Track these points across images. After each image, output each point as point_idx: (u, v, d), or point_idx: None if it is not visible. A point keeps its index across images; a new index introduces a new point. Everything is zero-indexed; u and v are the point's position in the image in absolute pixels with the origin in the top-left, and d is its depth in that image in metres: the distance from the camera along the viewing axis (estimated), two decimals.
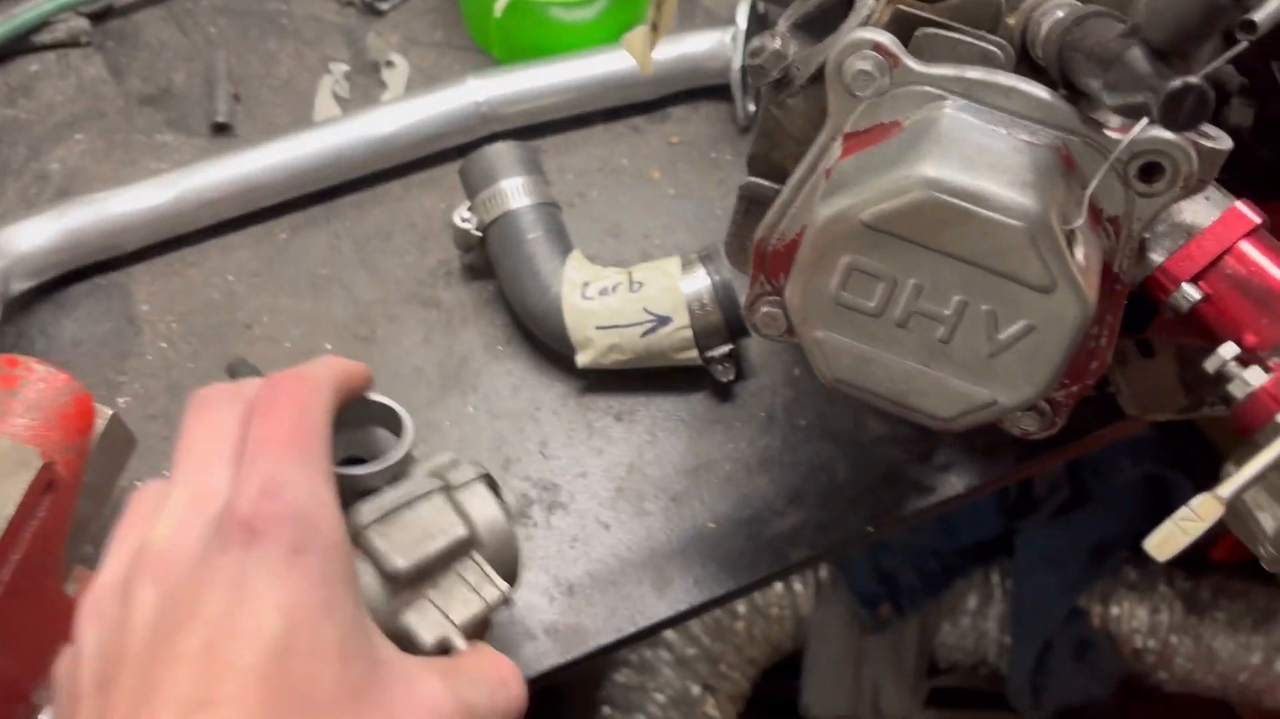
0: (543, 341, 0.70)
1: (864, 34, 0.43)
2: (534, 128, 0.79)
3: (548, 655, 0.62)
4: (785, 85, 0.46)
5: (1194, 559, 1.66)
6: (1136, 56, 0.36)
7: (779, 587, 1.55)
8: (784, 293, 0.46)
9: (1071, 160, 0.42)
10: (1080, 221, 0.41)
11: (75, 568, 0.56)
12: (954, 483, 0.69)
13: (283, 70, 0.81)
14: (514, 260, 0.69)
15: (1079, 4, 0.45)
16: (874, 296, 0.43)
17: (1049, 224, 0.39)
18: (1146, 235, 0.46)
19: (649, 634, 0.64)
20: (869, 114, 0.44)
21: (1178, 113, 0.34)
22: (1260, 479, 0.41)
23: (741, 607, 1.54)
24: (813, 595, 1.60)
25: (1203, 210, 0.46)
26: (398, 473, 0.50)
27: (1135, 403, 0.60)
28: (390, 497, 0.48)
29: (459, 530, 0.48)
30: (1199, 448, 1.50)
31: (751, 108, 0.80)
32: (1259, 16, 0.42)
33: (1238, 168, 0.56)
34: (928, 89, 0.43)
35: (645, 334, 0.67)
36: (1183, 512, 0.40)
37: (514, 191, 0.70)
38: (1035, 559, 1.62)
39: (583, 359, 0.68)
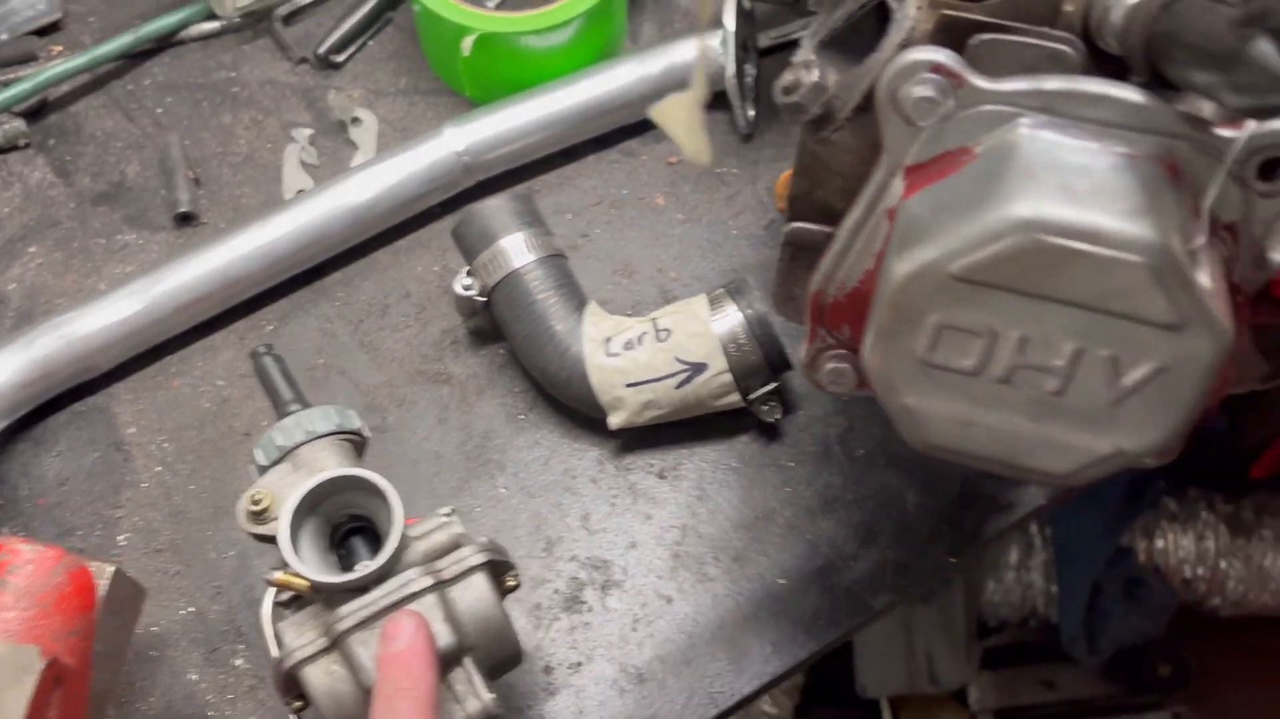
0: (568, 405, 0.64)
1: (920, 54, 0.37)
2: (521, 169, 0.73)
3: None
4: (827, 120, 0.41)
5: (1232, 481, 1.62)
6: (1267, 52, 0.31)
7: None
8: (855, 348, 0.40)
9: (1178, 168, 0.36)
10: (1201, 240, 0.35)
11: None
12: (1035, 494, 0.63)
13: (242, 145, 0.75)
14: (526, 324, 0.63)
15: None
16: (970, 354, 0.37)
17: (1173, 254, 0.34)
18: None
19: (732, 712, 0.59)
20: (932, 143, 0.39)
21: None
22: None
23: None
24: None
25: None
26: (388, 570, 0.46)
27: None
28: (376, 596, 0.46)
29: (444, 641, 0.46)
30: None
31: (751, 113, 0.74)
32: None
33: None
34: (999, 108, 0.37)
35: (680, 385, 0.61)
36: None
37: (516, 249, 0.64)
38: (1072, 502, 1.58)
39: (615, 421, 0.62)
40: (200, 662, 0.59)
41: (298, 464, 0.51)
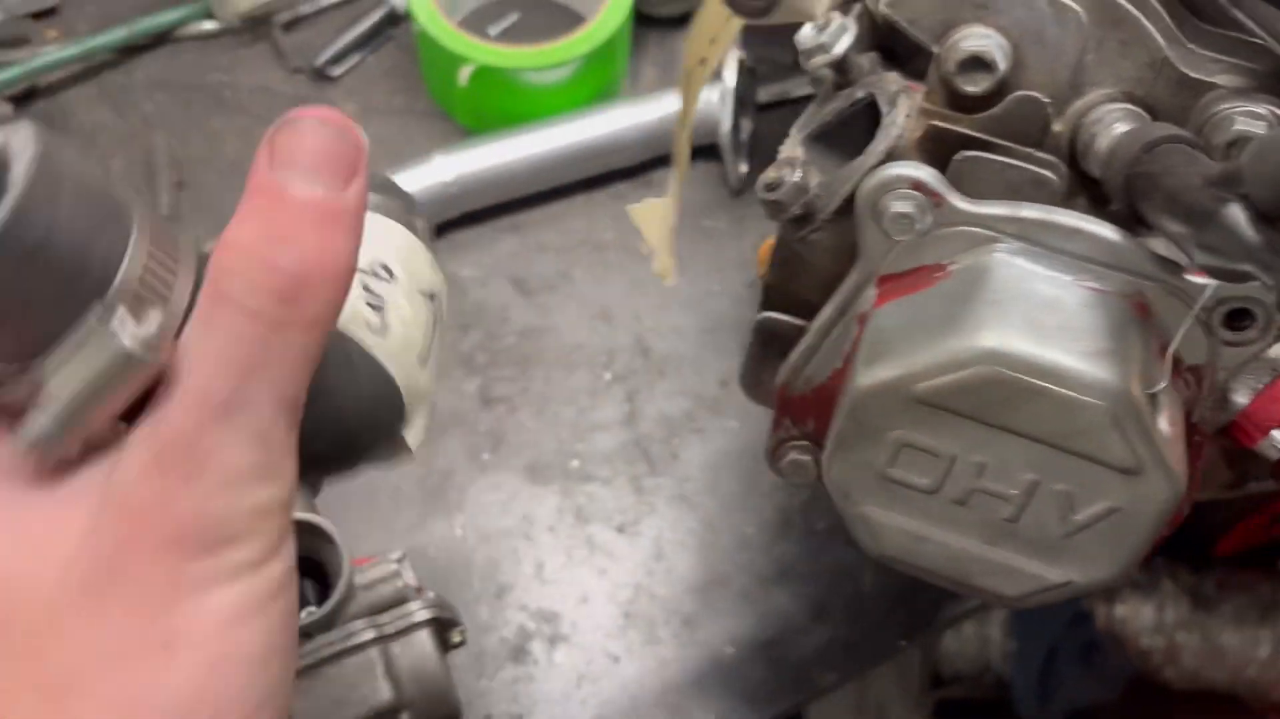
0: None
1: (900, 169, 0.37)
2: (508, 202, 0.72)
3: None
4: (807, 220, 0.40)
5: (1197, 554, 1.63)
6: (1238, 219, 0.30)
7: None
8: (819, 441, 0.40)
9: (1146, 308, 0.36)
10: (1164, 384, 0.35)
11: None
12: None
13: (229, 150, 0.74)
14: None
15: (1133, 110, 0.39)
16: (928, 473, 0.37)
17: (1133, 400, 0.33)
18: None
19: None
20: (908, 254, 0.38)
21: None
22: None
23: None
24: None
25: None
26: (332, 618, 0.45)
27: None
28: (318, 645, 0.45)
29: (382, 696, 0.45)
30: None
31: (744, 169, 0.73)
32: None
33: None
34: (977, 229, 0.37)
35: None
36: None
37: None
38: None
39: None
40: None
41: None
